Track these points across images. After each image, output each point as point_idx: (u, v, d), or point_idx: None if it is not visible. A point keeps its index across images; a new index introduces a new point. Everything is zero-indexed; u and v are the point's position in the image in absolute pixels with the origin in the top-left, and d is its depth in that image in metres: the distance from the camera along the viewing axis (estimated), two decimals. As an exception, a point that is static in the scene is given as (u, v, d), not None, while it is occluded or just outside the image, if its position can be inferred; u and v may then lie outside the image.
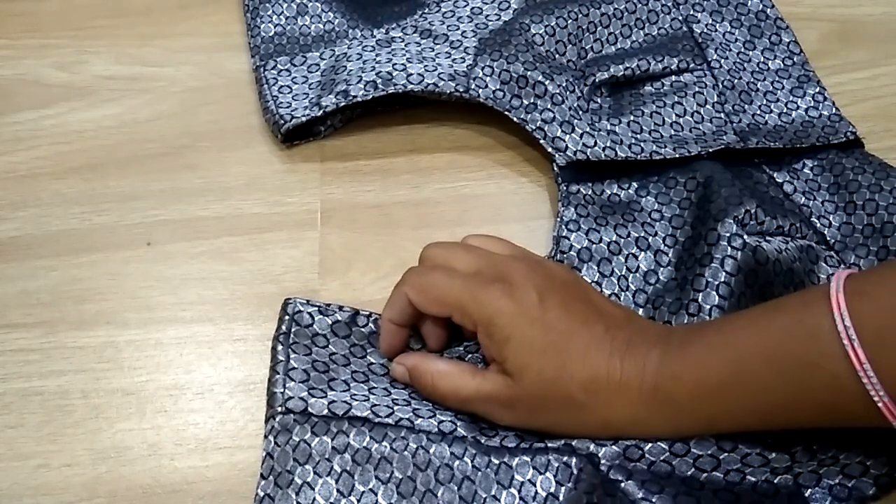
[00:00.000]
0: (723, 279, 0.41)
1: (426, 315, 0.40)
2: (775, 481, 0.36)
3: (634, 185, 0.47)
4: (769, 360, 0.34)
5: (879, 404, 0.32)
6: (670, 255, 0.44)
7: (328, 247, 0.47)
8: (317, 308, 0.42)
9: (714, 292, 0.41)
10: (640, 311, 0.43)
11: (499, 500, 0.36)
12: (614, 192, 0.47)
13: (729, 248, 0.42)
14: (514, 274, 0.38)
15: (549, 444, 0.37)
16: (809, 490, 0.36)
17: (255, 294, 0.44)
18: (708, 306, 0.41)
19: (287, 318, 0.41)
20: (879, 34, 0.57)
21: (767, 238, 0.43)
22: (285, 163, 0.50)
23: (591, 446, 0.37)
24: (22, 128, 0.52)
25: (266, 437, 0.37)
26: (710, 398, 0.36)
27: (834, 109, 0.51)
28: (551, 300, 0.37)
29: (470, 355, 0.41)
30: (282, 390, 0.38)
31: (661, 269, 0.44)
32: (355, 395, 0.39)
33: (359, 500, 0.36)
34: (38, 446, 0.40)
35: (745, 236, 0.42)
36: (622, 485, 0.36)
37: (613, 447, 0.37)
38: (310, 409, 0.38)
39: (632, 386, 0.36)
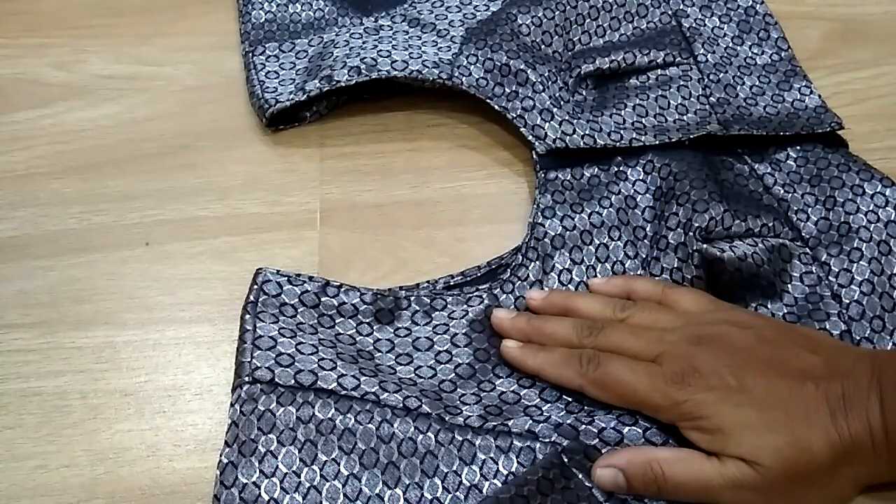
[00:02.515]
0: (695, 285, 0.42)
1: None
2: None
3: (614, 168, 0.47)
4: None
5: None
6: (638, 246, 0.45)
7: (327, 247, 0.46)
8: (286, 278, 0.42)
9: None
10: None
11: (460, 476, 0.37)
12: (594, 173, 0.47)
13: (695, 269, 0.42)
14: (699, 362, 0.36)
15: (513, 430, 0.38)
16: None
17: (255, 294, 0.44)
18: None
19: (256, 287, 0.41)
20: (882, 33, 0.56)
21: (735, 243, 0.43)
22: (284, 162, 0.50)
23: (554, 436, 0.37)
24: (20, 127, 0.52)
25: (232, 405, 0.37)
26: None
27: (819, 101, 0.51)
28: (749, 377, 0.36)
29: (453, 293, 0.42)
30: (249, 360, 0.38)
31: (630, 261, 0.44)
32: (322, 362, 0.39)
33: (321, 470, 0.36)
34: (36, 447, 0.40)
35: (704, 246, 0.42)
36: (579, 476, 0.36)
37: (574, 443, 0.37)
38: (276, 378, 0.38)
39: (864, 444, 0.35)
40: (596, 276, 0.44)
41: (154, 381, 0.42)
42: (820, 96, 0.51)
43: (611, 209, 0.46)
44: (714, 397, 0.36)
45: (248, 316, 0.40)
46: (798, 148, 0.49)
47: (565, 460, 0.37)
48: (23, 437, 0.40)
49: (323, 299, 0.42)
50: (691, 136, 0.48)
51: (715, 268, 0.42)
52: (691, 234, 0.43)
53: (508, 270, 0.43)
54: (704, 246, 0.42)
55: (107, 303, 0.44)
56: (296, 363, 0.38)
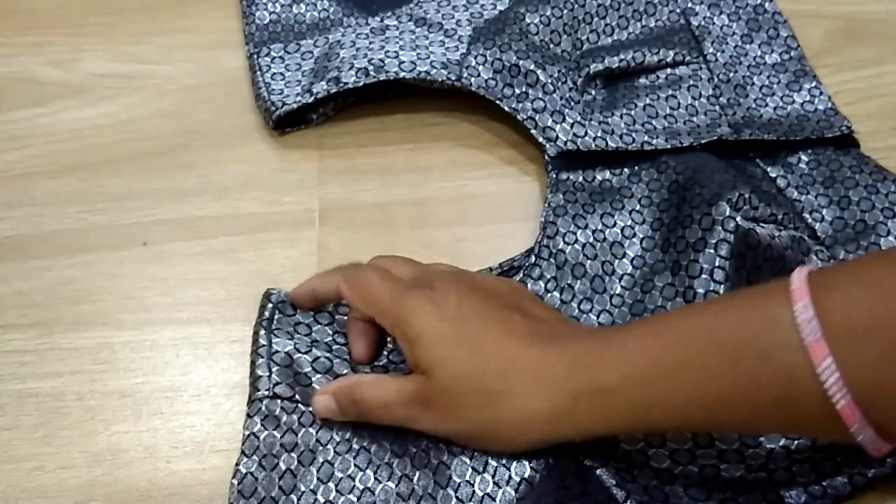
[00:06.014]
0: (718, 264, 0.41)
1: (356, 322, 0.40)
2: (750, 478, 0.36)
3: (626, 171, 0.47)
4: (719, 344, 0.32)
5: (839, 405, 0.30)
6: (656, 238, 0.44)
7: (326, 247, 0.46)
8: None
9: (709, 277, 0.41)
10: (627, 294, 0.43)
11: (473, 485, 0.37)
12: (606, 177, 0.47)
13: (723, 231, 0.41)
14: (441, 281, 0.37)
15: None
16: (784, 487, 0.36)
17: (253, 295, 0.44)
18: (703, 291, 0.40)
19: (270, 305, 0.41)
20: (885, 32, 0.56)
21: (761, 224, 0.42)
22: (283, 161, 0.50)
23: None
24: (17, 126, 0.51)
25: (251, 416, 0.37)
26: (647, 383, 0.33)
27: (829, 104, 0.50)
28: (471, 301, 0.36)
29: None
30: (268, 374, 0.38)
31: (648, 252, 0.44)
32: (339, 378, 0.39)
33: (337, 486, 0.36)
34: (33, 448, 0.39)
35: (739, 219, 0.42)
36: (597, 471, 0.36)
37: None
38: (297, 396, 0.38)
39: (554, 372, 0.34)
40: (614, 270, 0.43)
41: (151, 383, 0.41)
42: (830, 98, 0.50)
43: (623, 211, 0.45)
44: (428, 307, 0.36)
45: (262, 332, 0.40)
46: (809, 151, 0.48)
47: (580, 457, 0.36)
48: (20, 438, 0.40)
49: (337, 317, 0.42)
50: (702, 142, 0.47)
51: (750, 240, 0.41)
52: (723, 202, 0.42)
53: (521, 272, 0.43)
54: (738, 217, 0.41)
55: (104, 303, 0.44)
56: (313, 384, 0.38)
